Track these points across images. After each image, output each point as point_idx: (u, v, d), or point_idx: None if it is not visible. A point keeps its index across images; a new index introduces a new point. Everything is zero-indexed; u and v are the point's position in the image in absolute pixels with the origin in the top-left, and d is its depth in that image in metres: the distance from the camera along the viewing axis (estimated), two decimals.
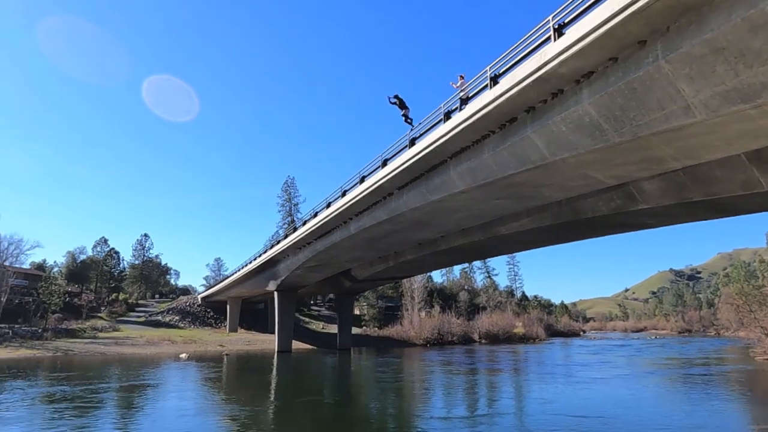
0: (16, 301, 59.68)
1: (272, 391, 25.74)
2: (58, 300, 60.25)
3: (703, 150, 12.81)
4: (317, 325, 76.70)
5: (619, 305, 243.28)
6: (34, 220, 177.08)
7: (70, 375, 30.52)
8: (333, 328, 66.56)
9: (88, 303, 67.17)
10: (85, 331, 57.74)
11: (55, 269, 77.06)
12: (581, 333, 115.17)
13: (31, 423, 15.77)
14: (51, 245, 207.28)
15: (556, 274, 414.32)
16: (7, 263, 60.13)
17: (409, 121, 21.51)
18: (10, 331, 51.41)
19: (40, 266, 75.17)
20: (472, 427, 15.08)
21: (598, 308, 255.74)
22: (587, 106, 12.07)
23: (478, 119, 15.34)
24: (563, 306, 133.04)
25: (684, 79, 9.83)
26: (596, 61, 11.25)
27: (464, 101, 16.71)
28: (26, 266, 68.87)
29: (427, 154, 18.71)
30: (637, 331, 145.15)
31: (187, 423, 15.43)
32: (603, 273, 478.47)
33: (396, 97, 21.90)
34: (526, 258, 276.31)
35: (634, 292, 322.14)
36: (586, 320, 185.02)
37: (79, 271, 76.08)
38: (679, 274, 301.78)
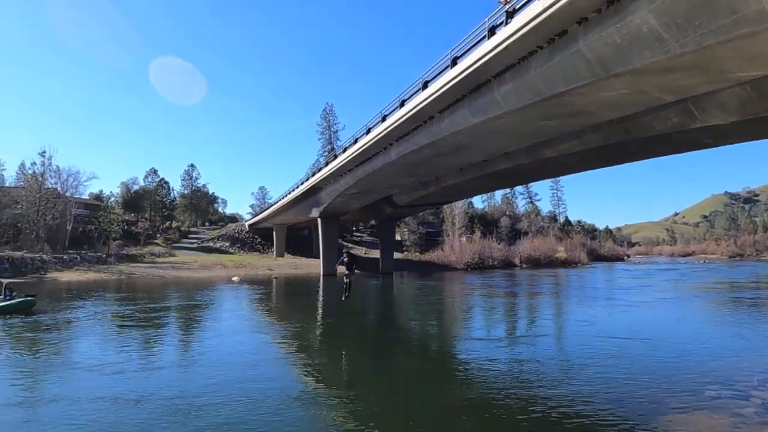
0: (80, 229, 63.95)
1: (319, 311, 27.17)
2: (117, 228, 64.14)
3: None
4: (360, 251, 78.87)
5: (667, 230, 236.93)
6: (87, 153, 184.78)
7: (134, 296, 33.06)
8: (375, 254, 68.33)
9: (144, 231, 71.21)
10: (144, 257, 61.67)
11: (112, 199, 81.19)
12: (625, 258, 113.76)
13: (105, 337, 17.36)
14: (105, 177, 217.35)
15: (601, 198, 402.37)
16: (68, 194, 63.90)
17: None
18: (78, 257, 55.58)
19: (98, 197, 79.28)
20: (512, 347, 15.49)
21: (645, 233, 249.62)
22: (646, 14, 11.08)
23: (525, 33, 14.42)
24: (607, 231, 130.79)
25: None
26: None
27: (510, 14, 15.64)
28: (85, 197, 72.97)
29: (469, 74, 17.93)
30: (685, 256, 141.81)
31: (243, 339, 16.57)
32: (651, 197, 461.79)
33: None
34: (571, 182, 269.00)
35: (684, 216, 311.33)
36: (631, 245, 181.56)
37: (133, 200, 79.98)
38: (734, 197, 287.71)
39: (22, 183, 62.67)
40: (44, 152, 62.33)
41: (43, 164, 62.14)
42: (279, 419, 8.09)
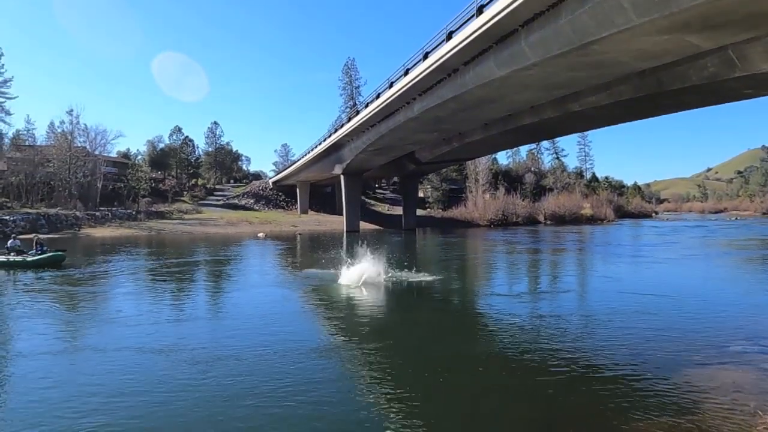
0: (110, 187, 65.65)
1: (342, 266, 27.63)
2: (145, 185, 65.67)
3: None
4: (383, 207, 79.20)
5: (699, 186, 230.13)
6: (114, 111, 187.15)
7: (165, 251, 34.13)
8: (398, 210, 68.56)
9: (171, 188, 72.71)
10: (172, 213, 63.24)
11: (139, 157, 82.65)
12: (653, 214, 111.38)
13: (132, 290, 18.08)
14: (131, 135, 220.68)
15: (630, 153, 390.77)
16: (97, 152, 65.26)
17: None
18: (110, 213, 57.36)
19: (126, 155, 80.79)
20: (534, 303, 15.55)
21: (675, 189, 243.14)
22: None
23: None
24: (636, 187, 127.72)
25: None
26: None
27: None
28: (113, 155, 74.46)
29: (496, 22, 17.29)
30: (716, 213, 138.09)
31: (269, 291, 17.05)
32: (683, 151, 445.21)
33: None
34: (599, 137, 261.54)
35: (717, 172, 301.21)
36: (660, 202, 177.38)
37: (159, 158, 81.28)
38: None
39: (52, 142, 64.18)
40: (71, 111, 63.42)
41: (71, 123, 63.42)
42: (298, 370, 8.38)
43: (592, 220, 79.17)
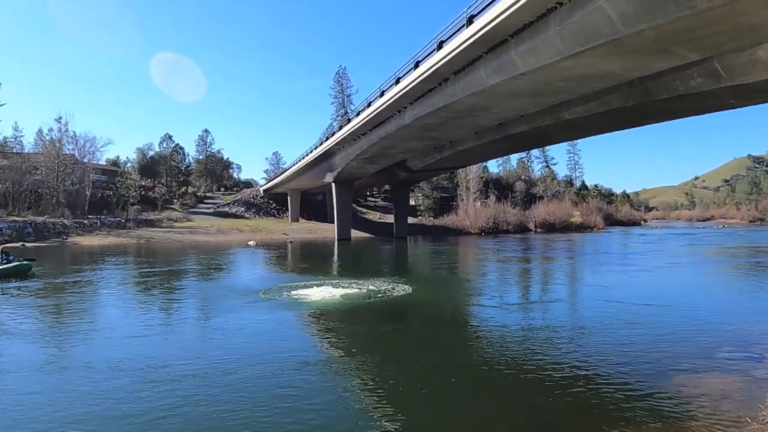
0: (99, 195, 65.02)
1: (335, 272, 27.60)
2: (135, 193, 65.11)
3: None
4: (374, 215, 79.16)
5: (686, 194, 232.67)
6: (103, 118, 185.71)
7: (154, 259, 33.83)
8: (389, 218, 68.54)
9: (161, 196, 72.16)
10: (161, 222, 62.72)
11: (128, 165, 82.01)
12: (642, 222, 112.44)
13: (127, 297, 17.88)
14: (120, 142, 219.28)
15: (619, 162, 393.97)
16: (85, 160, 64.68)
17: None
18: (98, 221, 56.77)
19: (115, 162, 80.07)
20: (526, 312, 15.59)
21: (663, 197, 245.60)
22: None
23: None
24: (625, 195, 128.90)
25: None
26: None
27: None
28: (102, 162, 73.85)
29: (486, 32, 17.44)
30: (704, 221, 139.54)
31: (257, 299, 16.89)
32: (670, 160, 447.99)
33: None
34: (588, 145, 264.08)
35: (704, 180, 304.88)
36: (649, 209, 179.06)
37: (149, 166, 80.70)
38: (758, 160, 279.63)
39: (40, 149, 63.54)
40: (60, 118, 62.95)
41: (60, 130, 62.93)
42: (286, 384, 8.32)
43: (582, 227, 79.74)
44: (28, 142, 68.02)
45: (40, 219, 51.65)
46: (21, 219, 50.76)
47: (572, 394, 7.76)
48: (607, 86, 20.27)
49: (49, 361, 9.64)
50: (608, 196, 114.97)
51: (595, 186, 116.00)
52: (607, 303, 15.96)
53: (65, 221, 52.87)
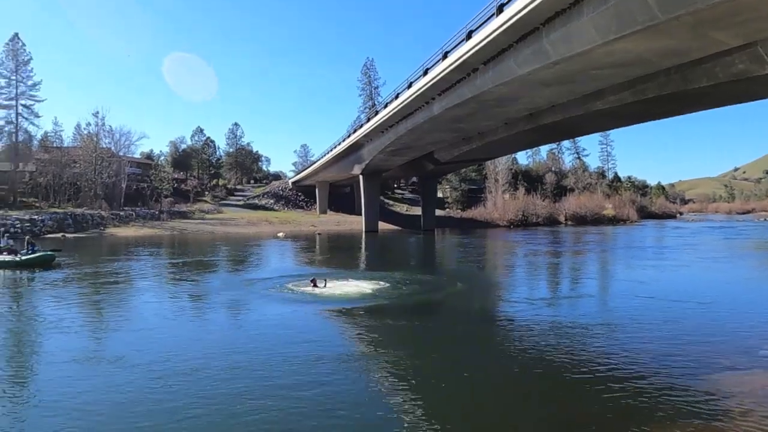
0: (134, 187, 66.98)
1: (362, 263, 27.81)
2: (168, 185, 66.82)
3: None
4: (401, 208, 79.14)
5: (726, 186, 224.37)
6: (136, 112, 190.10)
7: (188, 250, 34.72)
8: (417, 210, 68.40)
9: (193, 188, 73.79)
10: (194, 213, 64.20)
11: (161, 158, 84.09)
12: (677, 215, 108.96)
13: (152, 288, 18.41)
14: (154, 136, 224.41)
15: (654, 153, 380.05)
16: (121, 153, 66.62)
17: None
18: (133, 213, 58.50)
19: (149, 156, 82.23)
20: (556, 308, 15.30)
21: (701, 189, 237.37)
22: None
23: None
24: (659, 187, 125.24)
25: None
26: None
27: None
28: (137, 156, 75.93)
29: (517, 20, 17.12)
30: (744, 213, 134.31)
31: (289, 288, 17.06)
32: (709, 151, 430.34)
33: None
34: (622, 136, 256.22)
35: (744, 172, 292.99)
36: (685, 202, 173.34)
37: (181, 159, 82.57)
38: None
39: (79, 143, 65.73)
40: (97, 113, 64.87)
41: (96, 124, 64.84)
42: (316, 377, 8.41)
43: (614, 220, 77.85)
44: (67, 137, 70.55)
45: (79, 211, 53.53)
46: (61, 211, 52.70)
47: (608, 389, 7.59)
48: (643, 74, 19.65)
49: (64, 350, 9.72)
50: (642, 188, 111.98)
51: (629, 178, 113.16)
52: (640, 299, 15.50)
53: (102, 213, 54.63)
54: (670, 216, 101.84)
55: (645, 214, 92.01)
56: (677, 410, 6.71)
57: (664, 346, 9.93)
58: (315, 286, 15.82)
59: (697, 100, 22.40)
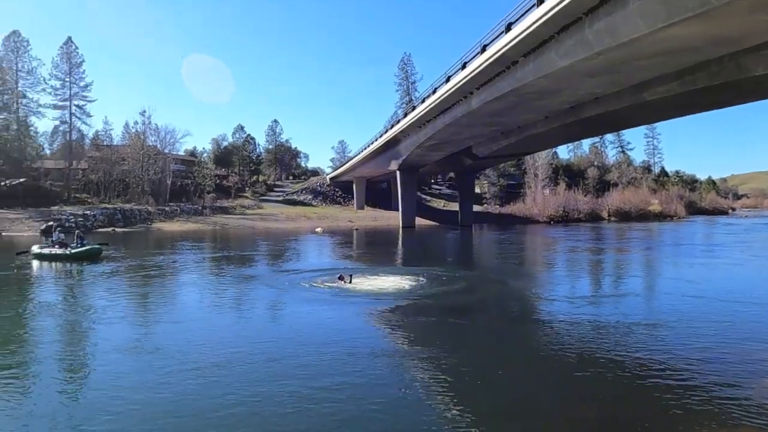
0: (178, 184, 69.29)
1: (400, 258, 27.84)
2: (210, 182, 68.82)
3: None
4: (438, 203, 78.74)
5: None
6: (179, 110, 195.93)
7: (229, 244, 35.66)
8: (454, 206, 67.90)
9: (234, 184, 75.70)
10: (235, 209, 65.88)
11: (204, 155, 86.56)
12: (729, 211, 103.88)
13: (203, 278, 18.99)
14: (196, 134, 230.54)
15: (705, 146, 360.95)
16: (166, 151, 69.02)
17: None
18: (178, 208, 60.58)
19: (192, 153, 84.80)
20: (598, 306, 14.82)
21: (755, 183, 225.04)
22: None
23: None
24: (710, 181, 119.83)
25: None
26: None
27: None
28: (181, 153, 78.47)
29: (558, 11, 16.68)
30: None
31: (327, 283, 17.26)
32: (764, 143, 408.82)
33: None
34: (669, 128, 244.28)
35: None
36: (738, 197, 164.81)
37: (223, 156, 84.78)
38: None
39: (127, 141, 68.54)
40: (144, 111, 67.41)
41: (143, 123, 67.34)
42: (351, 367, 8.48)
43: (661, 216, 74.98)
44: (116, 135, 73.57)
45: (127, 206, 55.92)
46: (111, 206, 55.18)
47: (649, 392, 7.33)
48: (692, 63, 18.80)
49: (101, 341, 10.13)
50: (691, 183, 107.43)
51: (676, 172, 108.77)
52: (689, 298, 14.80)
53: (149, 208, 56.83)
54: (722, 212, 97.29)
55: (694, 209, 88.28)
56: (728, 414, 6.42)
57: (715, 348, 9.46)
58: (342, 281, 16.00)
59: (753, 89, 21.30)
